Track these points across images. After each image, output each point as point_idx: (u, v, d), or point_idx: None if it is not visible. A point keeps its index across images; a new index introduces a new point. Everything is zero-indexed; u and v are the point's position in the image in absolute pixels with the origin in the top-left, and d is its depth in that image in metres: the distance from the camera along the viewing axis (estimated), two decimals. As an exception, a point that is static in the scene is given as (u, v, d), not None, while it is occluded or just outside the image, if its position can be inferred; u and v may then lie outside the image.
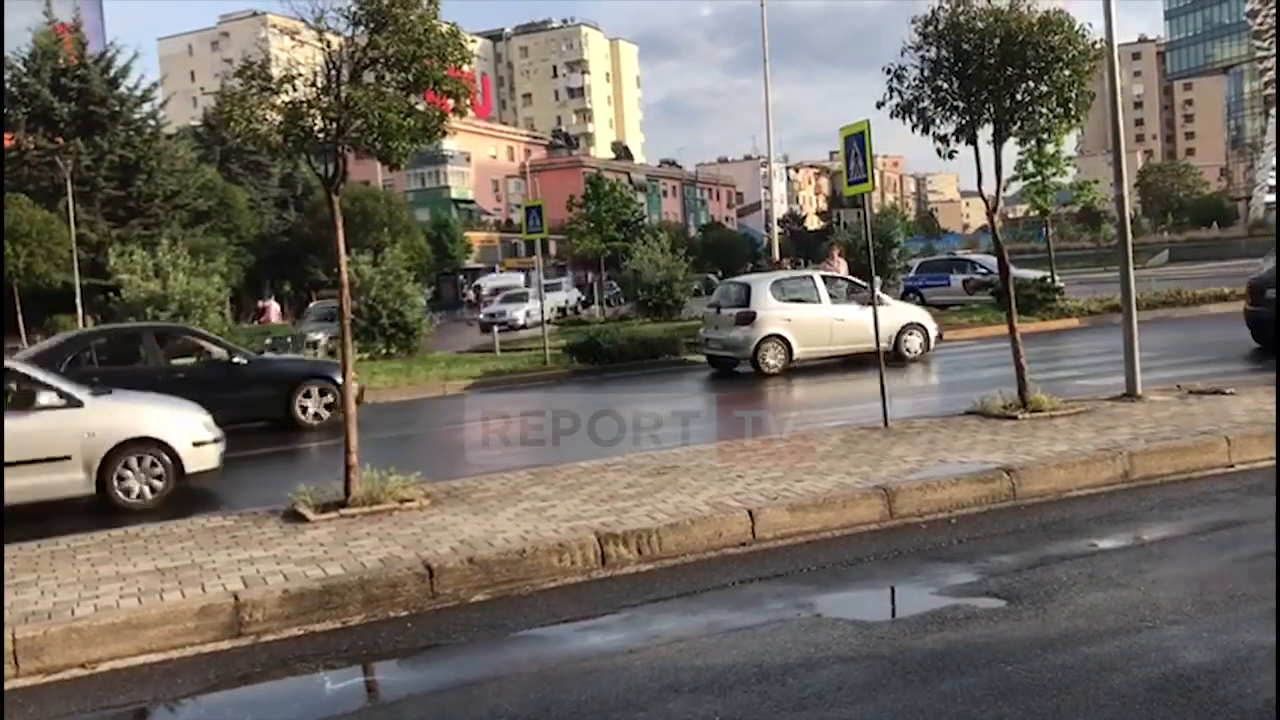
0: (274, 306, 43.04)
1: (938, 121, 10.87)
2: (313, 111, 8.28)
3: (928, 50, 10.65)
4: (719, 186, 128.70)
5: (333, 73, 8.33)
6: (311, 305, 39.81)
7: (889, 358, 14.55)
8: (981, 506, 8.13)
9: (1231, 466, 8.91)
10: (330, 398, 15.60)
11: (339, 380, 15.16)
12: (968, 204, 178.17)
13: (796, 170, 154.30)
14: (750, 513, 7.64)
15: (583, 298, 52.42)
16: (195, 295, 21.46)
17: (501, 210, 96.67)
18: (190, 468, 10.42)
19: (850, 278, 20.87)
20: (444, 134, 9.11)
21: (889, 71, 10.84)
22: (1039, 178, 27.30)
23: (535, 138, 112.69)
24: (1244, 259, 45.99)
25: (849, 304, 18.97)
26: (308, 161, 9.17)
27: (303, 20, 8.53)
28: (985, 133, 10.94)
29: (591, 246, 51.89)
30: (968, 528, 7.65)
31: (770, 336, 18.45)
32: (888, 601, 6.49)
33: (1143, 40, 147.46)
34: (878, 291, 14.90)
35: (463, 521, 7.91)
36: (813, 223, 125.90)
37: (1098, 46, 11.22)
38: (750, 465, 9.31)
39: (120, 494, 10.05)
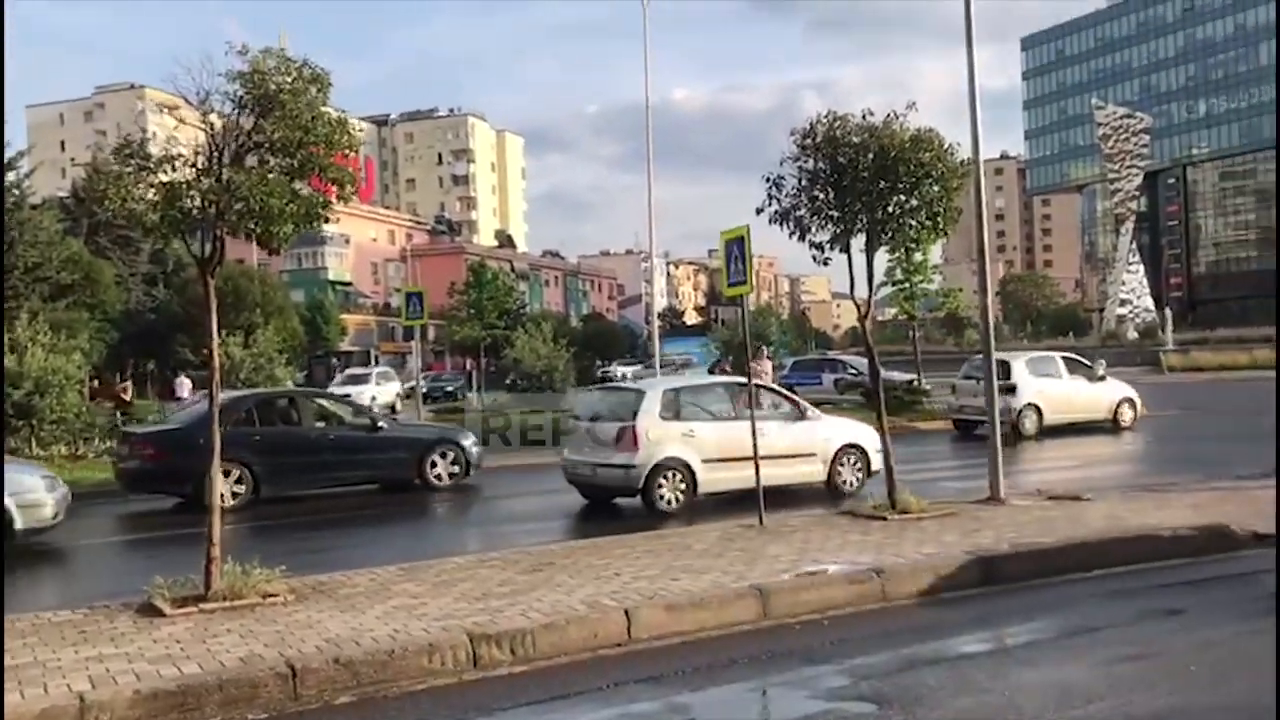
0: (186, 383, 40.82)
1: (814, 230, 11.22)
2: (192, 193, 8.11)
3: (806, 161, 11.03)
4: (600, 278, 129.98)
5: (215, 154, 8.20)
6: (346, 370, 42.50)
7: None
8: (853, 607, 8.21)
9: (1090, 571, 9.21)
10: (456, 466, 16.66)
11: (466, 444, 16.85)
12: (839, 305, 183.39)
13: (676, 266, 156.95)
14: (627, 612, 7.58)
15: (461, 383, 51.76)
16: (53, 373, 20.53)
17: (380, 294, 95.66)
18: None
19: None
20: (326, 220, 9.01)
21: (769, 180, 11.19)
22: (907, 284, 28.34)
23: (417, 223, 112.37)
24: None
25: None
26: (184, 242, 8.94)
27: (185, 99, 8.40)
28: (858, 242, 11.34)
29: (472, 334, 51.63)
30: (840, 629, 7.71)
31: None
32: (761, 705, 6.48)
33: (1004, 157, 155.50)
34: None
35: (329, 619, 7.65)
36: (691, 318, 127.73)
37: (965, 164, 11.78)
38: (628, 563, 9.25)
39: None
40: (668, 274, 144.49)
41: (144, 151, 8.25)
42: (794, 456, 13.81)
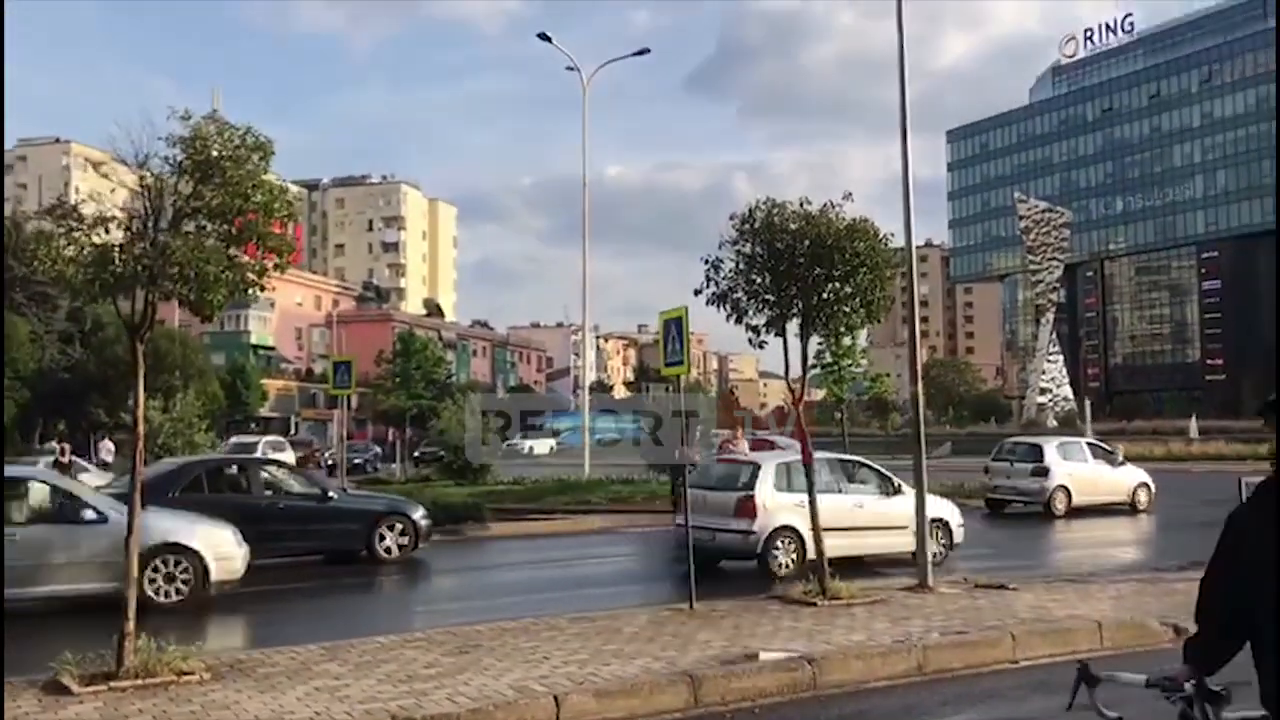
0: (109, 445, 39.02)
1: (750, 313, 11.35)
2: (125, 256, 7.96)
3: (744, 245, 11.19)
4: (530, 350, 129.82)
5: (150, 218, 8.07)
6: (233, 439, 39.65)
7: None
8: (784, 696, 8.14)
9: (1016, 662, 9.25)
10: (405, 538, 16.30)
11: (415, 517, 16.49)
12: (765, 384, 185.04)
13: (606, 340, 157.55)
14: (556, 699, 7.43)
15: (372, 453, 50.38)
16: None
17: (303, 359, 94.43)
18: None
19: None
20: (262, 289, 8.90)
21: (707, 262, 11.32)
22: (836, 367, 28.64)
23: (345, 288, 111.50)
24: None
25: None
26: (113, 305, 8.75)
27: (122, 161, 8.28)
28: (793, 326, 11.49)
29: (398, 404, 51.06)
30: (769, 718, 7.64)
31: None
32: (692, 797, 6.36)
33: (929, 245, 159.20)
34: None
35: (247, 700, 7.38)
36: (620, 392, 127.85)
37: (897, 254, 12.03)
38: (556, 646, 9.09)
39: None
40: (597, 348, 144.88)
41: (77, 212, 8.09)
42: (888, 529, 14.72)
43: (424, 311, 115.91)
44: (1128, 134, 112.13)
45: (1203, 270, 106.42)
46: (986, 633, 9.61)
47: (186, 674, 7.92)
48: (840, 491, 14.86)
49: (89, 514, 11.49)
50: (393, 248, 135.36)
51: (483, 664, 8.44)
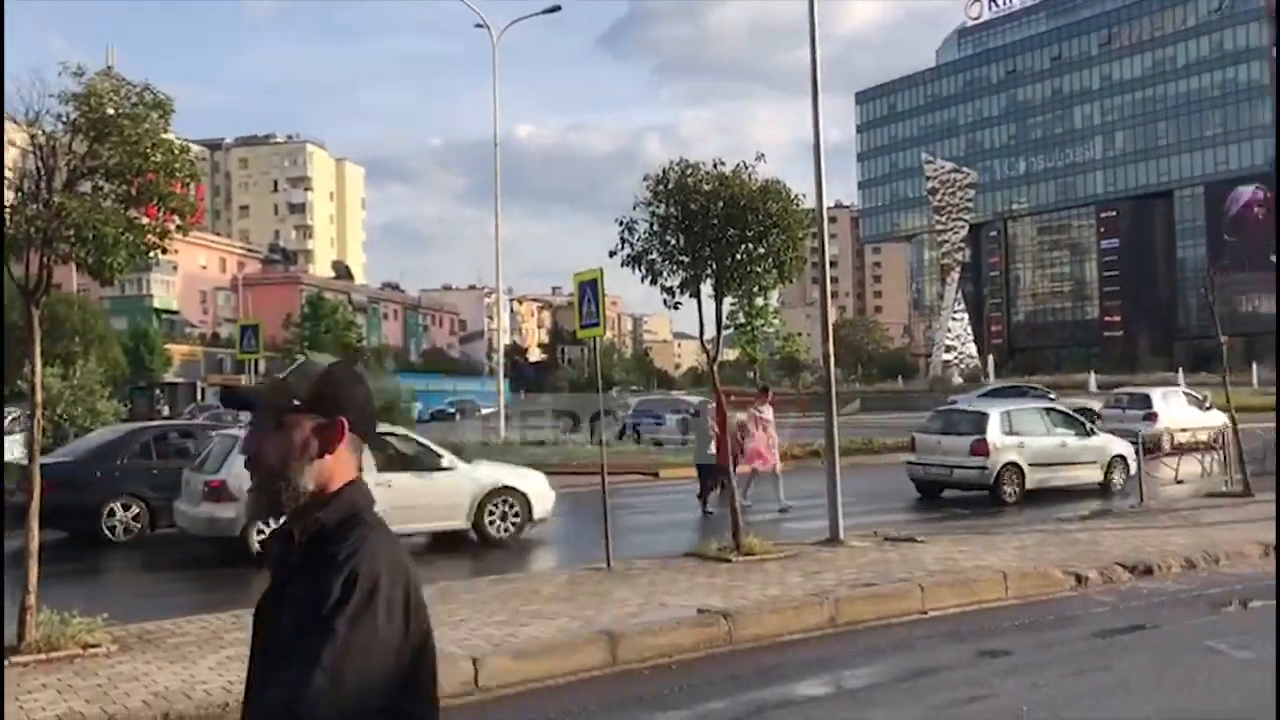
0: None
1: (665, 274, 11.38)
2: (17, 218, 7.66)
3: (658, 207, 11.19)
4: (442, 313, 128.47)
5: (44, 178, 7.77)
6: None
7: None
8: (700, 651, 8.26)
9: (925, 613, 9.50)
10: None
11: None
12: (680, 345, 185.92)
13: (521, 302, 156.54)
14: (474, 660, 7.43)
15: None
16: None
17: (208, 323, 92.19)
18: None
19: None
20: (164, 251, 8.64)
21: (621, 223, 11.30)
22: (749, 327, 28.95)
23: (250, 250, 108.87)
24: (925, 410, 50.12)
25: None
26: (4, 269, 8.42)
27: (11, 118, 7.96)
28: (707, 287, 11.54)
29: (307, 368, 50.30)
30: (687, 673, 7.74)
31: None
32: (612, 754, 6.43)
33: (839, 206, 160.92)
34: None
35: (157, 671, 7.25)
36: (534, 355, 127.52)
37: (808, 215, 12.15)
38: (475, 609, 9.09)
39: None
40: (512, 310, 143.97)
41: (-36, 172, 7.75)
42: (1084, 464, 17.92)
43: (333, 274, 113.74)
44: (1030, 96, 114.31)
45: (1101, 230, 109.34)
46: (896, 585, 9.85)
47: (92, 646, 7.74)
48: (1049, 434, 18.15)
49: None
50: (299, 209, 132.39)
51: (400, 628, 8.38)
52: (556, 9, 33.99)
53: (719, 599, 9.24)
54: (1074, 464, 17.83)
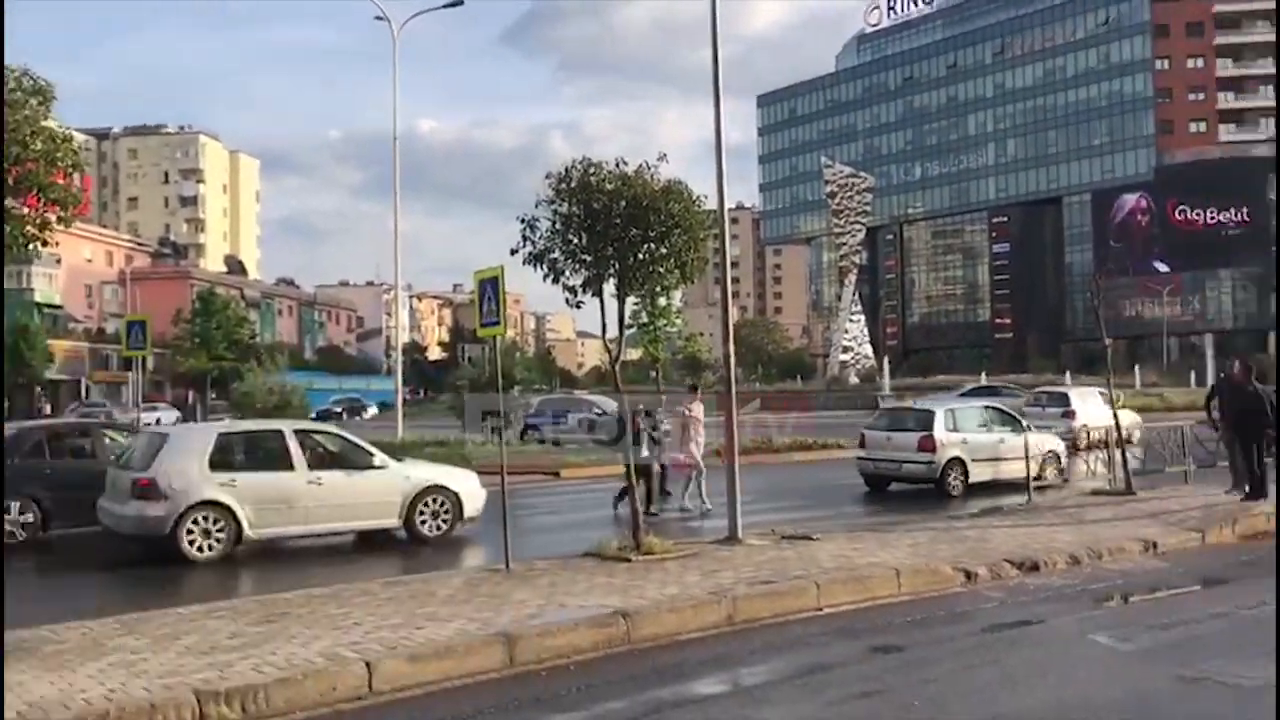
0: None
1: (567, 273, 11.34)
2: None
3: (561, 205, 11.14)
4: (339, 309, 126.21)
5: (-87, 165, 7.41)
6: None
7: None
8: (599, 651, 8.24)
9: (820, 610, 9.63)
10: None
11: None
12: (583, 344, 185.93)
13: (421, 300, 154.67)
14: (368, 664, 7.30)
15: (179, 417, 48.56)
16: None
17: (94, 318, 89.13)
18: None
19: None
20: (45, 244, 8.31)
21: (524, 221, 11.22)
22: (652, 327, 29.04)
23: (139, 244, 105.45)
24: (823, 410, 50.96)
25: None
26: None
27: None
28: (610, 286, 11.54)
29: (198, 365, 48.87)
30: (585, 674, 7.72)
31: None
32: (508, 756, 6.38)
33: (740, 207, 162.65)
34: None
35: (33, 680, 6.96)
36: (434, 353, 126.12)
37: (710, 216, 12.22)
38: (369, 611, 8.93)
39: None
40: (411, 307, 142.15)
41: None
42: (1020, 459, 17.61)
43: (225, 269, 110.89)
44: (927, 102, 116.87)
45: (993, 234, 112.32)
46: (793, 582, 9.96)
47: (-36, 656, 7.39)
48: (989, 431, 18.97)
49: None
50: (191, 201, 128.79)
51: (291, 632, 8.21)
52: (458, 3, 33.65)
53: (618, 599, 9.24)
54: (1011, 459, 18.28)
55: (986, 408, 20.87)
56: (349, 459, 13.97)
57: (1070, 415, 26.83)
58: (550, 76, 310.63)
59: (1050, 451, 19.59)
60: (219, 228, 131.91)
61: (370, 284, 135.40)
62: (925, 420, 18.85)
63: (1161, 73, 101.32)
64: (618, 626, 8.51)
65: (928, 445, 18.28)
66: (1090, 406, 27.29)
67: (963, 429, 18.73)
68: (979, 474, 18.36)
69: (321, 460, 13.67)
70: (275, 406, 32.72)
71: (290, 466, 13.23)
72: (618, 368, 12.17)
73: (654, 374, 34.17)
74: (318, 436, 14.28)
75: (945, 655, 8.21)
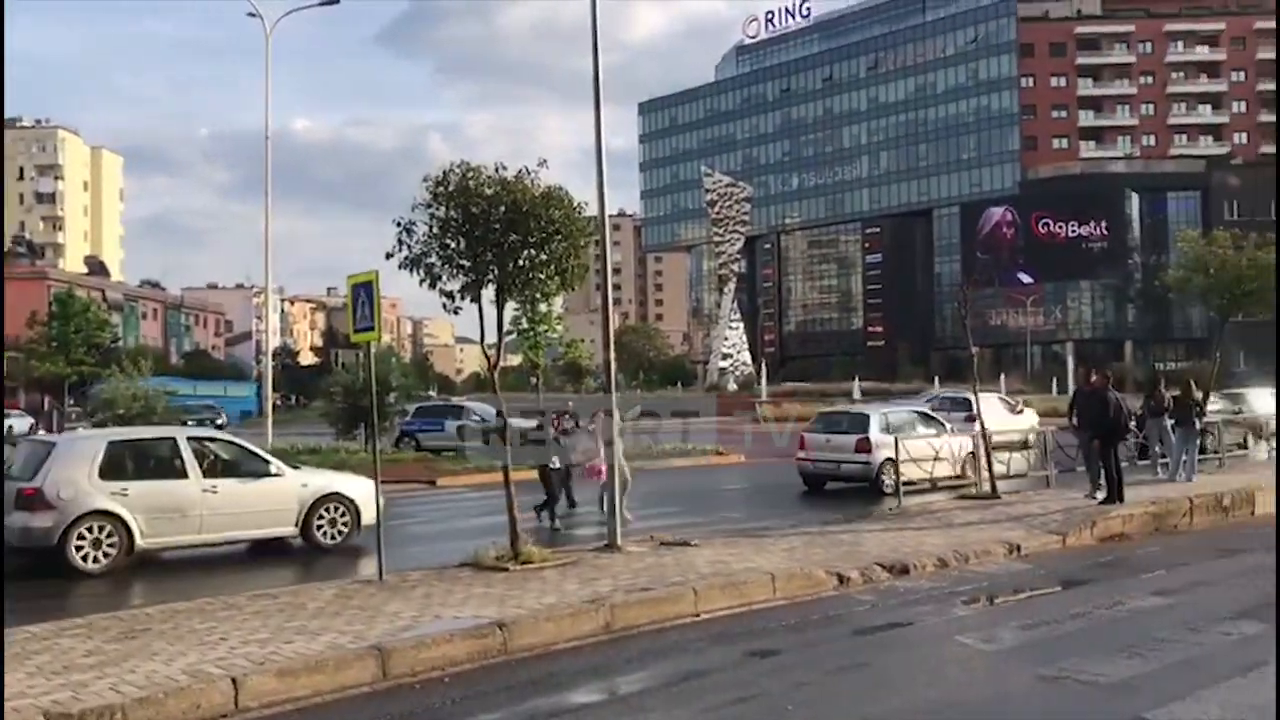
0: None
1: (445, 278, 11.18)
2: None
3: (438, 209, 10.97)
4: (207, 313, 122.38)
5: None
6: None
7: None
8: (475, 663, 8.13)
9: (698, 615, 9.68)
10: None
11: None
12: (462, 350, 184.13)
13: (292, 303, 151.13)
14: (234, 680, 7.06)
15: (33, 424, 46.31)
16: None
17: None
18: None
19: (934, 415, 21.68)
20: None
21: (400, 225, 11.03)
22: (532, 333, 28.92)
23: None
24: (702, 416, 51.34)
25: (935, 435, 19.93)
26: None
27: None
28: (489, 292, 11.41)
29: (55, 370, 46.78)
30: (461, 686, 7.60)
31: (887, 461, 18.63)
32: (380, 773, 6.24)
33: (622, 214, 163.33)
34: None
35: None
36: (306, 358, 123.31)
37: (591, 222, 12.19)
38: (235, 625, 8.64)
39: None
40: (282, 311, 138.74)
41: None
42: (945, 459, 19.34)
43: (85, 270, 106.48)
44: (804, 114, 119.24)
45: (866, 245, 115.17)
46: (670, 589, 9.99)
47: None
48: (919, 434, 19.86)
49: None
50: (48, 199, 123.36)
51: (152, 649, 7.89)
52: (334, 1, 32.98)
53: (494, 609, 9.13)
54: (939, 459, 19.26)
55: (915, 412, 22.30)
56: (244, 466, 13.78)
57: (973, 419, 27.54)
58: (429, 78, 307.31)
59: (970, 453, 20.07)
60: (79, 227, 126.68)
61: (240, 286, 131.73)
62: (861, 423, 20.19)
63: (1026, 90, 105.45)
64: (494, 637, 8.41)
65: (864, 447, 19.48)
66: (991, 411, 28.17)
67: (894, 431, 19.42)
68: (909, 473, 18.59)
69: (216, 468, 13.47)
70: (138, 414, 31.46)
71: (184, 474, 12.99)
72: (497, 374, 12.02)
73: (534, 380, 34.01)
74: (212, 444, 14.07)
75: (819, 658, 8.34)
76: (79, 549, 12.14)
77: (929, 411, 22.67)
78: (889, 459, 18.55)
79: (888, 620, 9.54)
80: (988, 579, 11.47)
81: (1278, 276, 23.81)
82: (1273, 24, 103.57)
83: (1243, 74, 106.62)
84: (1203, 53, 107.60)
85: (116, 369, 34.01)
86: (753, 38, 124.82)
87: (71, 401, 48.45)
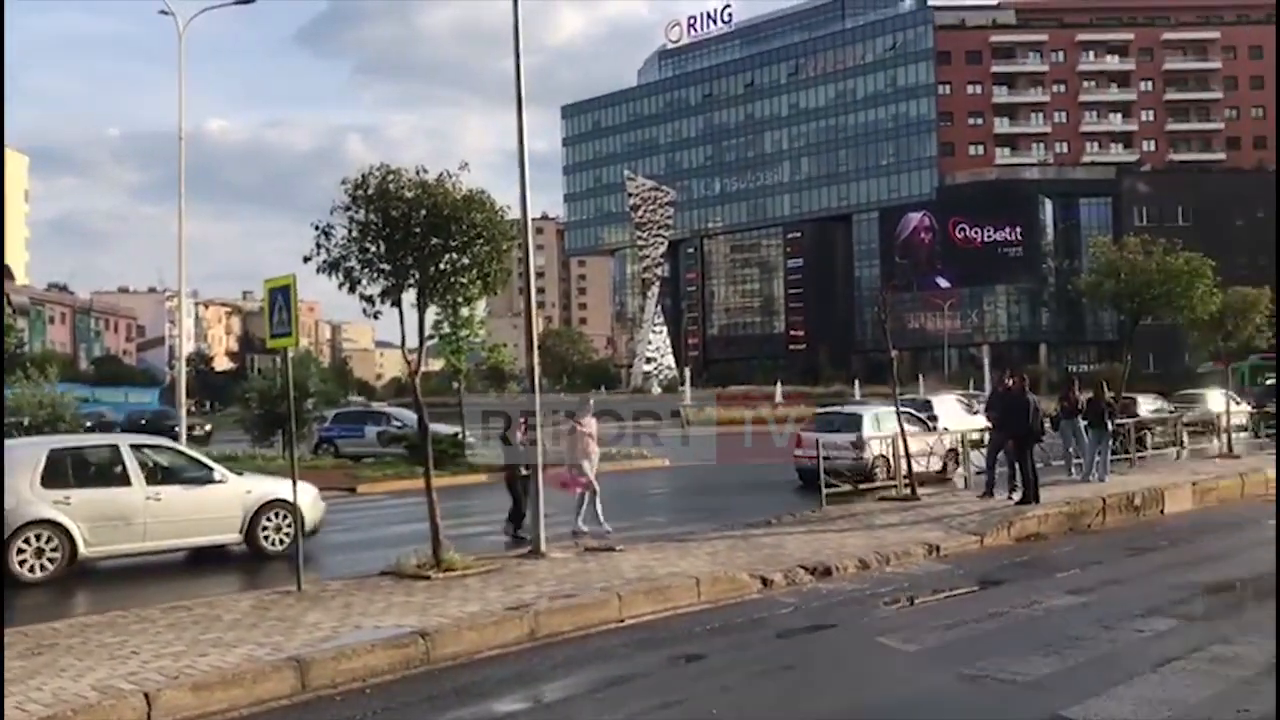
0: None
1: (365, 282, 11.01)
2: None
3: (357, 212, 10.79)
4: (118, 317, 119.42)
5: None
6: None
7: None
8: (396, 673, 8.01)
9: (622, 621, 9.66)
10: None
11: None
12: (382, 354, 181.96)
13: (207, 307, 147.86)
14: (146, 695, 6.86)
15: None
16: None
17: None
18: None
19: (914, 413, 22.23)
20: None
21: (318, 228, 10.83)
22: (454, 337, 28.58)
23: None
24: (626, 420, 51.30)
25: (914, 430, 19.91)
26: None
27: None
28: (410, 296, 11.26)
29: (-43, 376, 45.17)
30: (382, 697, 7.48)
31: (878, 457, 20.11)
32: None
33: (545, 218, 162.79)
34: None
35: None
36: (221, 363, 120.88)
37: (513, 226, 12.10)
38: (148, 639, 8.40)
39: None
40: (196, 315, 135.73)
41: None
42: (930, 455, 20.28)
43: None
44: (726, 119, 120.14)
45: (788, 249, 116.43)
46: (595, 595, 9.95)
47: None
48: (909, 433, 19.69)
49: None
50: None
51: (60, 665, 7.64)
52: (249, 0, 32.31)
53: (416, 618, 9.01)
54: (926, 455, 20.03)
55: (902, 412, 22.08)
56: (188, 473, 13.72)
57: (934, 419, 27.71)
58: (348, 79, 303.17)
59: (951, 450, 21.79)
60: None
61: (152, 290, 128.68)
62: (855, 422, 21.66)
63: (944, 97, 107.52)
64: (416, 646, 8.29)
65: (858, 444, 20.69)
66: (951, 411, 28.16)
67: (884, 430, 20.23)
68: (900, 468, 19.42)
69: (160, 475, 13.37)
70: (45, 421, 30.52)
71: (127, 482, 12.82)
72: (418, 379, 11.87)
73: (456, 385, 33.65)
74: (155, 451, 13.91)
75: (743, 661, 8.36)
76: (20, 558, 11.95)
77: (913, 412, 23.34)
78: (881, 455, 20.25)
79: (811, 622, 9.61)
80: (908, 580, 11.62)
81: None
82: (1179, 35, 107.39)
83: (1150, 83, 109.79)
84: (1113, 62, 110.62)
85: (22, 375, 32.93)
86: (675, 42, 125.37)
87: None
